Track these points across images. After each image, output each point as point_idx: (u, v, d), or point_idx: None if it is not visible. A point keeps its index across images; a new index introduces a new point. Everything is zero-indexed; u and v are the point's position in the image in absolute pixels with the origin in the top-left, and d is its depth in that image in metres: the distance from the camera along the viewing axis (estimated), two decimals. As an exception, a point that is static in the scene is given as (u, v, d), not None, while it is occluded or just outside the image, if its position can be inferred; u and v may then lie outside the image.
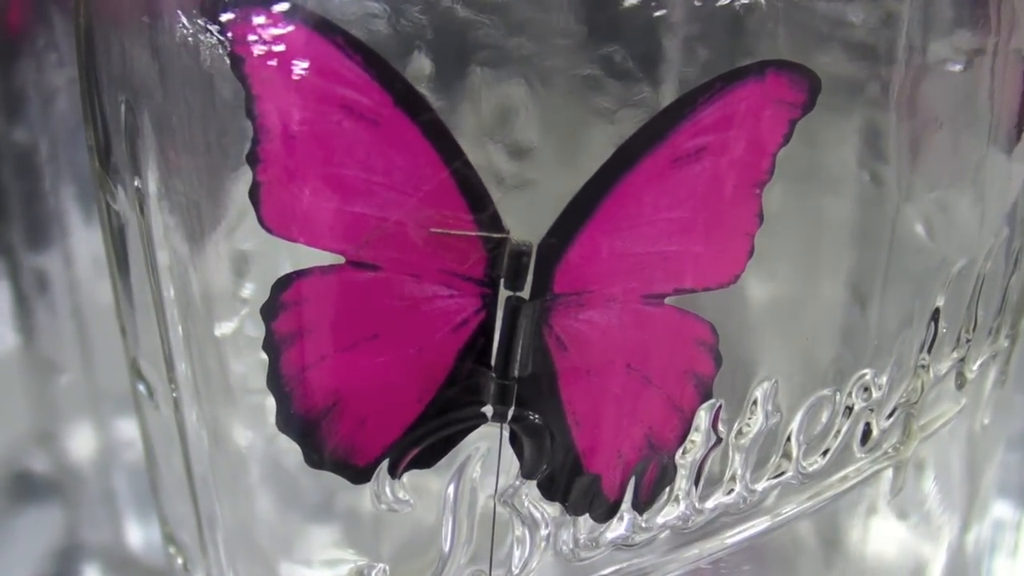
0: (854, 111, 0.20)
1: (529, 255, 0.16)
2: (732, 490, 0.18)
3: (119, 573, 0.32)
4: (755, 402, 0.18)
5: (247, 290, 0.18)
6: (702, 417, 0.17)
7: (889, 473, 0.22)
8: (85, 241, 0.30)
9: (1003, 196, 0.20)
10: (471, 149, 0.16)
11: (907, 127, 0.20)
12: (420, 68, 0.17)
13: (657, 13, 0.17)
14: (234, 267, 0.18)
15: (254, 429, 0.19)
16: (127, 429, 0.31)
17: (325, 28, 0.16)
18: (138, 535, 0.32)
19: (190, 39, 0.17)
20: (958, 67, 0.20)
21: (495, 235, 0.16)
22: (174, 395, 0.20)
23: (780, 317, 0.19)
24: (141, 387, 0.21)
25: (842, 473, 0.19)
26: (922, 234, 0.20)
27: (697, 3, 0.17)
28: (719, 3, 0.17)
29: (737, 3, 0.17)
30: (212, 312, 0.19)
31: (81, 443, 0.33)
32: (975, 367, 0.20)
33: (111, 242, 0.20)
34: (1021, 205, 0.21)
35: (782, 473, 0.18)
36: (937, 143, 0.20)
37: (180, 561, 0.22)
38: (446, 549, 0.17)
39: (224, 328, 0.19)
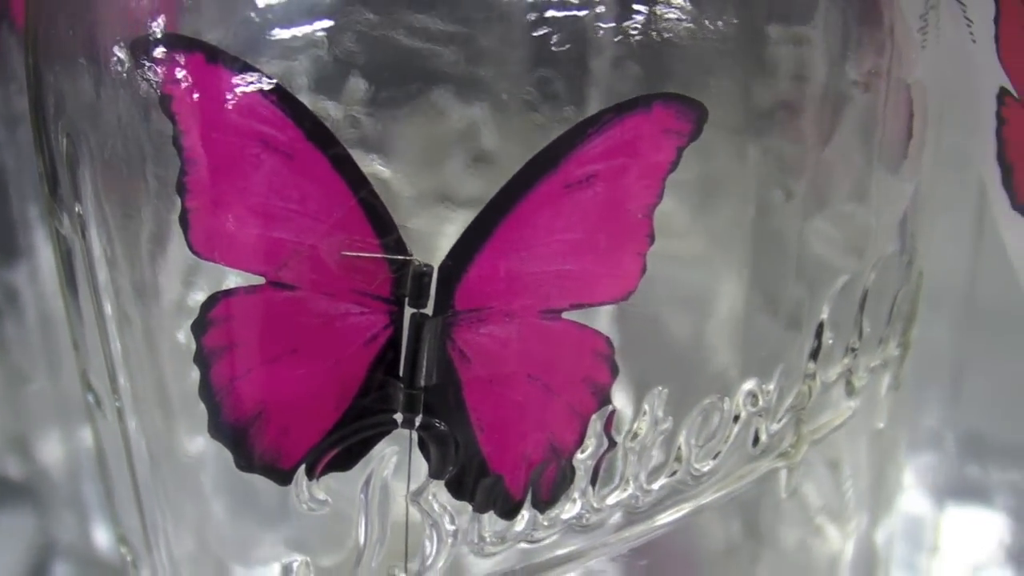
0: (767, 130, 0.21)
1: (430, 276, 0.18)
2: (627, 490, 0.20)
3: (87, 570, 0.34)
4: (645, 408, 0.19)
5: (186, 306, 0.20)
6: (595, 422, 0.19)
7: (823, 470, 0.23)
8: (51, 257, 0.31)
9: (890, 213, 0.22)
10: (417, 168, 0.18)
11: (814, 145, 0.21)
12: (355, 91, 0.18)
13: (557, 49, 0.19)
14: (169, 285, 0.20)
15: (197, 435, 0.21)
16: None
17: (242, 69, 0.17)
18: (103, 536, 0.34)
19: (124, 76, 0.18)
20: (860, 89, 0.22)
21: (399, 257, 0.18)
22: (117, 405, 0.21)
23: (676, 327, 0.20)
24: (90, 397, 0.22)
25: (737, 473, 0.21)
26: (815, 248, 0.21)
27: (599, 34, 0.19)
28: (616, 39, 0.19)
29: (632, 38, 0.19)
30: (150, 328, 0.20)
31: (51, 449, 0.34)
32: (863, 375, 0.21)
33: (60, 264, 0.22)
34: (910, 221, 0.22)
35: (676, 473, 0.20)
36: (836, 162, 0.22)
37: (129, 559, 0.23)
38: (362, 543, 0.19)
39: (164, 342, 0.20)
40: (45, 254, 0.32)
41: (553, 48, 0.18)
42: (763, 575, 0.25)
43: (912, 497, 0.32)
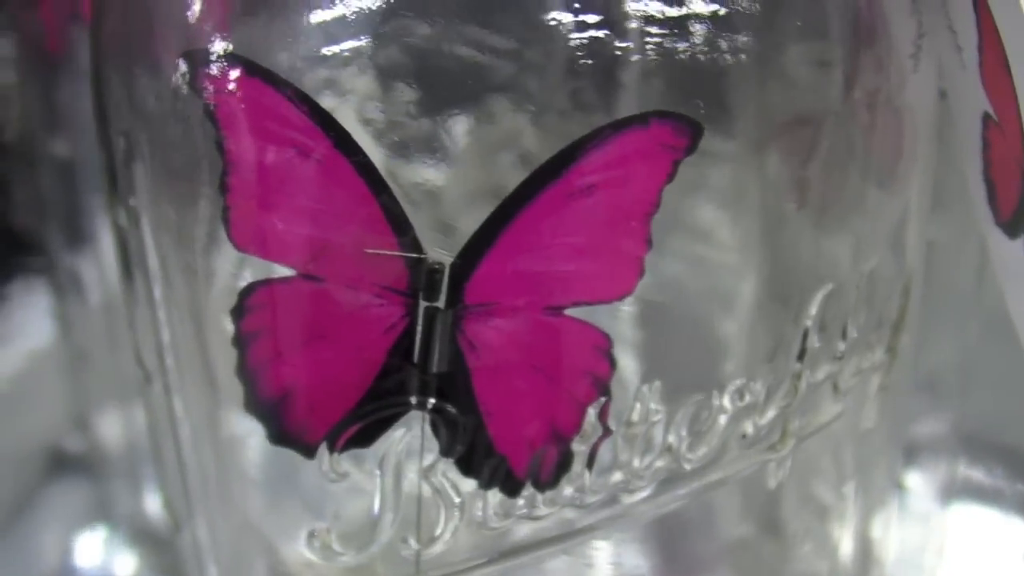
0: (782, 143, 0.22)
1: (442, 272, 0.19)
2: (621, 475, 0.21)
3: (139, 538, 0.36)
4: (639, 399, 0.21)
5: (230, 294, 0.22)
6: (591, 412, 0.21)
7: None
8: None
9: (880, 226, 0.23)
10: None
11: (822, 160, 0.23)
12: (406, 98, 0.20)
13: (585, 65, 0.20)
14: (215, 275, 0.22)
15: (236, 413, 0.23)
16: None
17: (279, 82, 0.19)
18: (155, 506, 0.36)
19: (177, 84, 0.20)
20: (863, 109, 0.23)
21: (414, 255, 0.19)
22: (164, 382, 0.23)
23: (673, 326, 0.22)
24: (141, 374, 0.25)
25: (725, 463, 0.22)
26: (808, 255, 0.23)
27: (623, 52, 0.20)
28: (638, 56, 0.20)
29: (652, 58, 0.20)
30: (197, 314, 0.22)
31: (109, 425, 0.36)
32: (849, 378, 0.23)
33: (118, 252, 0.24)
34: (900, 234, 0.24)
35: (667, 461, 0.22)
36: (837, 175, 0.23)
37: (172, 521, 0.25)
38: (377, 513, 0.21)
39: (210, 327, 0.22)
40: (108, 240, 0.34)
41: (581, 64, 0.20)
42: (767, 569, 0.27)
43: (918, 498, 0.33)
